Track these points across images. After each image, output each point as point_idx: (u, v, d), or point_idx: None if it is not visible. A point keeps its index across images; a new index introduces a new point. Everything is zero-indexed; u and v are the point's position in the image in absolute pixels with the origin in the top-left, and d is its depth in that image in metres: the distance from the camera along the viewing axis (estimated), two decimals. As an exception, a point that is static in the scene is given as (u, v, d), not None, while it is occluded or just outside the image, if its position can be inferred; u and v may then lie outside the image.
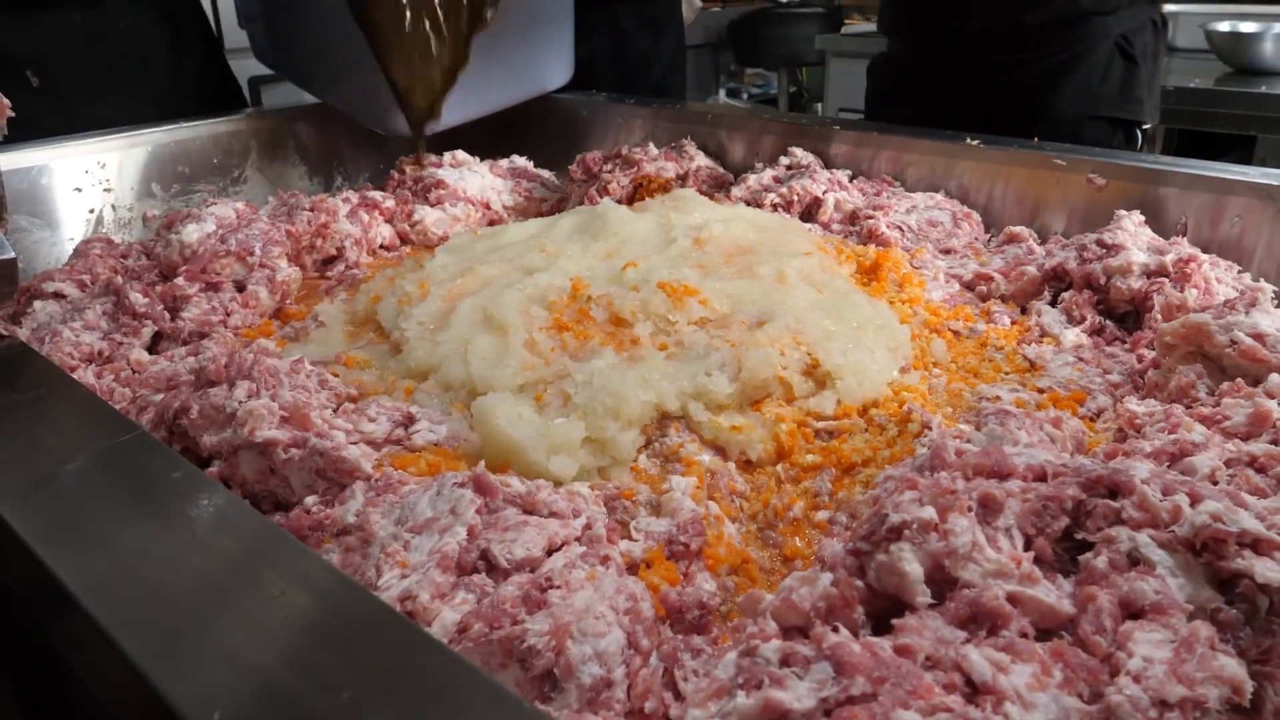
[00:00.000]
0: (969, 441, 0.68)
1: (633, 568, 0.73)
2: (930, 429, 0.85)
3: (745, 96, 5.91)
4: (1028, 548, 0.57)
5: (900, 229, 1.33)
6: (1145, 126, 1.69)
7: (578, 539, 0.72)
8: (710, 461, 0.85)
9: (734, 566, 0.76)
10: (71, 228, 1.58)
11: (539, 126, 1.90)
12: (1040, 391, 0.99)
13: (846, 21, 5.01)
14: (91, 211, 1.62)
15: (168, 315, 1.16)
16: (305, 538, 0.77)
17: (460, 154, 1.71)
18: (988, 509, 0.58)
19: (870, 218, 1.34)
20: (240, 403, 0.85)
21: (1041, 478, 0.60)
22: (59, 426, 0.63)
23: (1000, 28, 1.63)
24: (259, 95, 2.90)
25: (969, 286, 1.23)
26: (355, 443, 0.86)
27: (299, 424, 0.85)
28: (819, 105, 5.32)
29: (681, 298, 0.97)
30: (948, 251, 1.31)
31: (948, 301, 1.18)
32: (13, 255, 0.82)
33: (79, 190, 1.61)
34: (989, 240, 1.36)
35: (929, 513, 0.55)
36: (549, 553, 0.70)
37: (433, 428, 0.88)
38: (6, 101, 0.88)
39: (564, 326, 0.96)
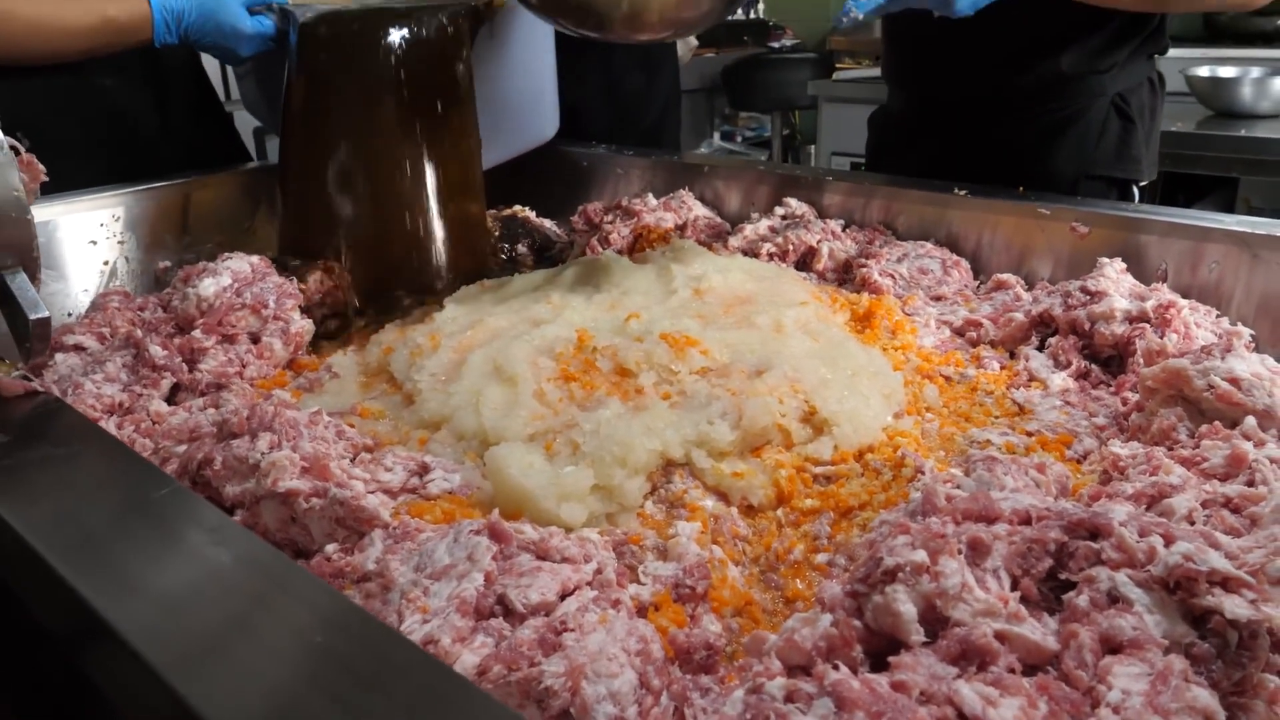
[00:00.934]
0: (958, 487, 0.72)
1: (642, 610, 0.76)
2: (923, 473, 0.89)
3: (739, 139, 6.01)
4: (1014, 588, 0.61)
5: (892, 277, 1.38)
6: (1143, 184, 1.70)
7: (589, 583, 0.76)
8: (714, 507, 0.89)
9: (738, 608, 0.80)
10: (84, 279, 1.63)
11: (540, 176, 1.96)
12: (1029, 435, 1.03)
13: (838, 66, 5.11)
14: (106, 264, 1.66)
15: (186, 367, 1.20)
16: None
17: (464, 205, 1.76)
18: (976, 551, 0.62)
19: (863, 266, 1.39)
20: (263, 454, 0.89)
21: (1026, 521, 0.64)
22: (99, 480, 0.67)
23: (993, 87, 1.65)
24: (264, 145, 2.96)
25: (959, 332, 1.27)
26: (373, 492, 0.90)
27: (319, 474, 0.89)
28: (811, 147, 5.42)
29: (683, 348, 1.02)
30: (938, 298, 1.36)
31: (939, 347, 1.22)
32: (47, 314, 0.86)
33: (94, 243, 1.66)
34: (978, 287, 1.40)
35: (921, 556, 0.59)
36: (562, 597, 0.73)
37: (447, 476, 0.92)
38: (41, 166, 0.93)
39: (571, 377, 1.00)
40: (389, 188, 1.51)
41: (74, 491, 0.66)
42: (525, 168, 1.92)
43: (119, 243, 1.69)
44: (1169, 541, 0.60)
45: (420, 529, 0.83)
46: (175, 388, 1.20)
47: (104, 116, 1.76)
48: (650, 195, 1.67)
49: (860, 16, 1.22)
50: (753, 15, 6.22)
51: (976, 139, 1.69)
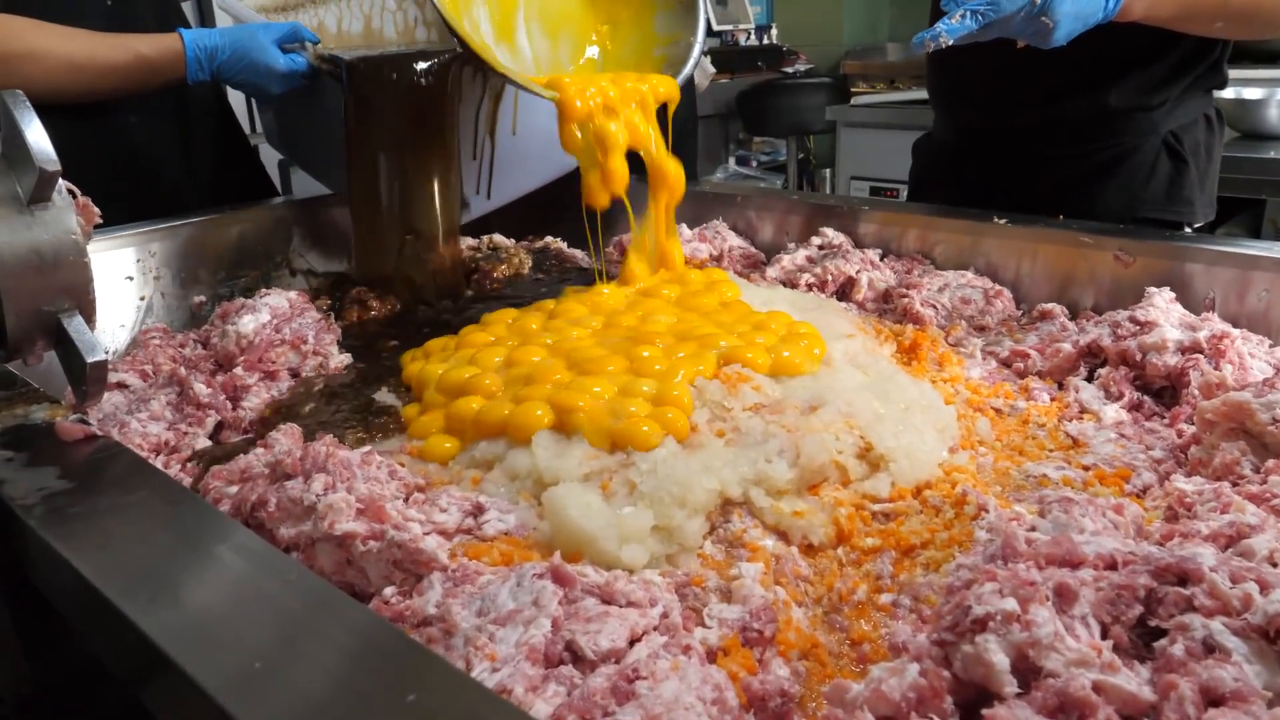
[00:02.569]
0: (1033, 529, 0.71)
1: (710, 655, 0.75)
2: (987, 511, 0.87)
3: (754, 164, 6.02)
4: (1104, 635, 0.60)
5: (934, 307, 1.37)
6: (1196, 226, 1.61)
7: (656, 628, 0.75)
8: (774, 546, 0.88)
9: (804, 651, 0.78)
10: (120, 315, 1.63)
11: (571, 208, 1.95)
12: (1085, 469, 1.02)
13: (853, 91, 5.12)
14: (142, 299, 1.67)
15: (229, 405, 1.20)
16: (387, 629, 0.80)
17: (497, 238, 1.76)
18: (1063, 598, 0.60)
19: (904, 296, 1.39)
20: (319, 496, 0.89)
21: (1112, 566, 0.63)
22: (170, 528, 0.66)
23: (1040, 119, 1.60)
24: (289, 179, 2.98)
25: (1005, 364, 1.26)
26: (429, 533, 0.89)
27: (374, 516, 0.88)
28: (827, 171, 5.42)
29: (735, 385, 1.01)
30: (981, 329, 1.35)
31: (987, 379, 1.21)
32: (105, 358, 0.86)
33: (130, 279, 1.66)
34: (1020, 317, 1.39)
35: (1011, 604, 0.58)
36: (631, 642, 0.72)
37: (502, 517, 0.91)
38: (96, 210, 0.93)
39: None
40: (427, 212, 1.59)
41: (146, 542, 0.65)
42: (554, 199, 1.91)
43: (155, 278, 1.70)
44: (1264, 588, 0.59)
45: (479, 571, 0.82)
46: (219, 425, 1.20)
47: (127, 155, 1.76)
48: (684, 225, 1.66)
49: (949, 42, 1.19)
50: (767, 40, 6.24)
51: (1022, 173, 1.64)
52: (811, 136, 5.78)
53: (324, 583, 0.61)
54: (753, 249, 1.64)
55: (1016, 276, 1.46)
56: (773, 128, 5.59)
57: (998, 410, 1.14)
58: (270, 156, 3.05)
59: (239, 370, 1.23)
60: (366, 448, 0.98)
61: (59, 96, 1.60)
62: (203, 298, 1.69)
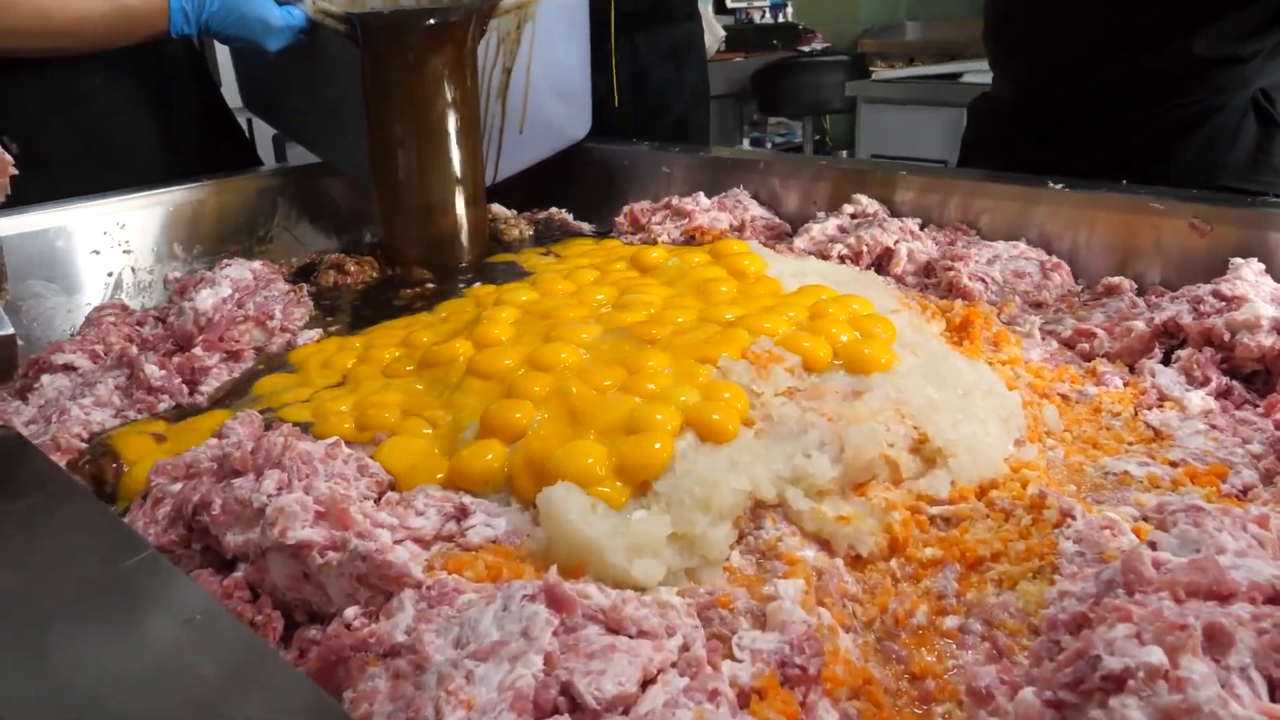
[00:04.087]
0: (1154, 545, 0.56)
1: (743, 698, 0.61)
2: (1073, 518, 0.72)
3: (769, 145, 5.85)
4: (1272, 695, 0.45)
5: (983, 281, 1.22)
6: None
7: (675, 664, 0.60)
8: (815, 558, 0.73)
9: (855, 689, 0.64)
10: (90, 292, 1.50)
11: (577, 177, 1.81)
12: (1173, 465, 0.87)
13: (871, 69, 4.94)
14: (110, 275, 1.53)
15: (185, 389, 1.06)
16: (346, 660, 0.66)
17: (495, 207, 1.61)
18: (1216, 643, 0.46)
19: (949, 269, 1.23)
20: (270, 496, 0.74)
21: (1273, 599, 0.48)
22: (53, 546, 0.52)
23: (1111, 73, 1.42)
24: (284, 153, 2.83)
25: (1068, 344, 1.11)
26: (402, 541, 0.74)
27: (337, 521, 0.74)
28: (844, 153, 5.26)
29: (766, 365, 0.86)
30: (1038, 305, 1.20)
31: (1049, 361, 1.06)
32: (11, 331, 0.72)
33: (97, 253, 1.52)
34: (1080, 292, 1.24)
35: (1157, 656, 0.43)
36: (644, 684, 0.58)
37: (490, 521, 0.77)
38: (9, 158, 0.79)
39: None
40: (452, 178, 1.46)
41: (23, 568, 0.50)
42: (561, 168, 1.77)
43: (124, 252, 1.56)
44: None
45: (460, 589, 0.68)
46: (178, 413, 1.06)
47: (94, 119, 1.61)
48: (702, 194, 1.51)
49: None
50: (782, 19, 6.06)
51: (1087, 136, 1.46)
52: (828, 117, 5.62)
53: (249, 636, 0.46)
54: (777, 219, 1.49)
55: (1073, 248, 1.30)
56: (789, 108, 5.42)
57: (1064, 397, 0.99)
58: (265, 133, 2.90)
59: (198, 350, 1.09)
60: (333, 439, 0.83)
61: (28, 50, 1.46)
62: (179, 274, 1.55)
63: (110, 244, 1.55)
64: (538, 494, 0.73)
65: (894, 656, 0.68)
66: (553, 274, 1.19)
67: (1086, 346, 1.09)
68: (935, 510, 0.78)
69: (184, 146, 1.73)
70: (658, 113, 2.24)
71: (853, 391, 0.85)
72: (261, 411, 0.93)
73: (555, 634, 0.60)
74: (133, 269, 1.57)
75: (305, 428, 0.90)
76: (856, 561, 0.75)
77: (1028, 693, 0.46)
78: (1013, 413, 0.90)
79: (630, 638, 0.61)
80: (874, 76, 4.19)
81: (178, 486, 0.83)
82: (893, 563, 0.74)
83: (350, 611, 0.70)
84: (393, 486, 0.82)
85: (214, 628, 0.44)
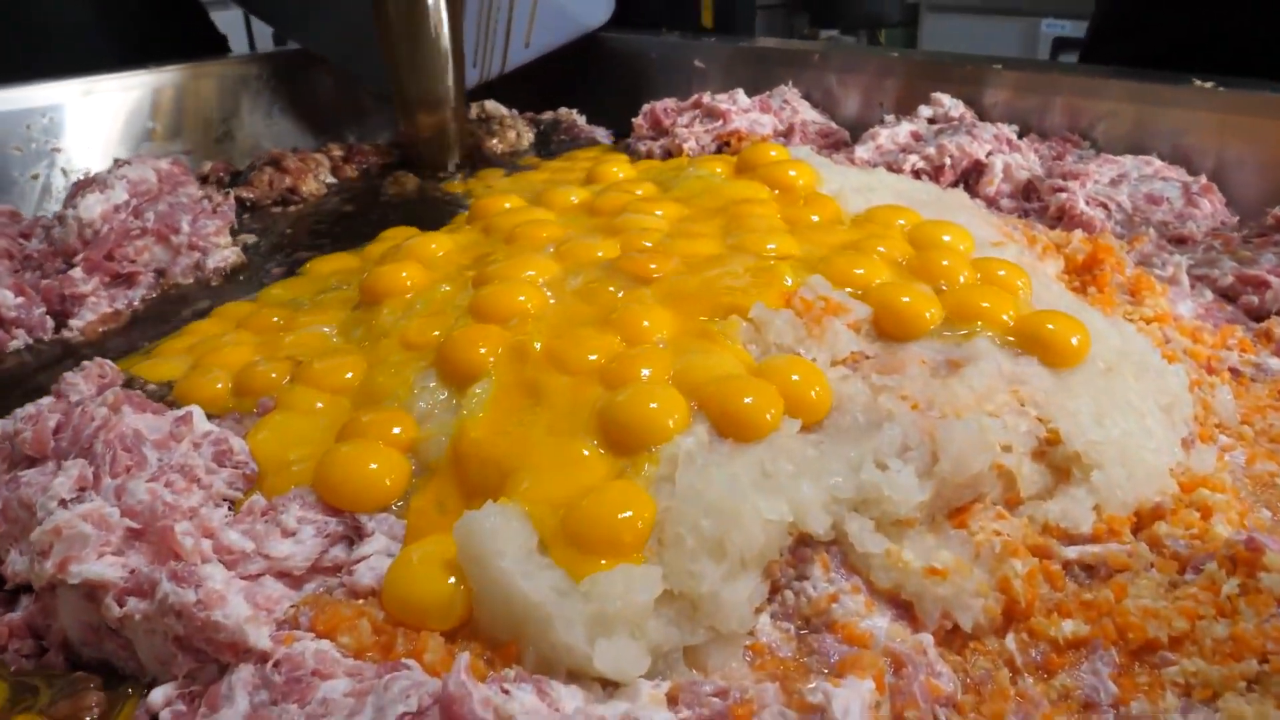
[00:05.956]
0: None
1: None
2: (1314, 589, 0.45)
3: (819, 60, 5.45)
4: None
5: (1105, 206, 0.93)
6: None
7: None
8: (889, 631, 0.47)
9: None
10: (12, 197, 1.25)
11: (593, 73, 1.52)
12: None
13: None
14: (35, 177, 1.29)
15: (51, 321, 0.81)
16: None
17: (490, 105, 1.33)
18: None
19: (1060, 189, 0.94)
20: (57, 504, 0.49)
21: None
22: None
23: None
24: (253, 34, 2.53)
25: (1227, 296, 0.82)
26: (257, 576, 0.49)
27: (158, 547, 0.48)
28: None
29: (819, 318, 0.58)
30: (1180, 241, 0.90)
31: (1204, 319, 0.77)
32: None
33: (18, 150, 1.28)
34: (1237, 225, 0.94)
35: None
36: None
37: (394, 550, 0.51)
38: None
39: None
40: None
41: None
42: (575, 61, 1.49)
43: (53, 150, 1.31)
44: None
45: (323, 671, 0.42)
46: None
47: None
48: (741, 92, 1.21)
49: None
50: (838, -79, 5.59)
51: (1244, 17, 1.15)
52: (883, 31, 5.21)
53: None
54: (833, 124, 1.19)
55: (1220, 166, 1.00)
56: (843, 19, 5.03)
57: (1234, 371, 0.71)
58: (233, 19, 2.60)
59: (76, 273, 0.84)
60: (188, 407, 0.57)
61: None
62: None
63: (34, 141, 1.30)
64: (456, 521, 0.47)
65: (1016, 809, 0.42)
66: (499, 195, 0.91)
67: (1255, 300, 0.80)
68: (1073, 553, 0.51)
69: (127, 25, 1.46)
70: (685, 4, 1.94)
71: (947, 363, 0.57)
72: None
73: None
74: (64, 171, 1.32)
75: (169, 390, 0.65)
76: (953, 637, 0.48)
77: None
78: (1177, 399, 0.61)
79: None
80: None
81: (-36, 473, 0.58)
82: (1010, 640, 0.47)
83: (158, 696, 0.45)
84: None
85: None
